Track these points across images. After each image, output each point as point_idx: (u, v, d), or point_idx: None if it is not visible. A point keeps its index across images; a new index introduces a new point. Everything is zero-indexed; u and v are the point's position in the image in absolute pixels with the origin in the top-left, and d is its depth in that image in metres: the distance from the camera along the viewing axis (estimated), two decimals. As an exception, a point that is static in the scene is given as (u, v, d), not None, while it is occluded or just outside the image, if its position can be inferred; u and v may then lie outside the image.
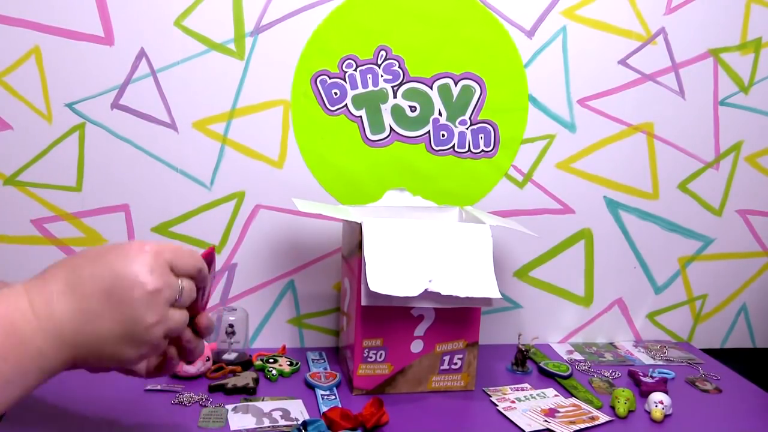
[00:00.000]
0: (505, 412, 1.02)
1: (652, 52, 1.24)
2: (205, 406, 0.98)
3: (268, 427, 0.93)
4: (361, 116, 1.17)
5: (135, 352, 0.59)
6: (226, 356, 1.12)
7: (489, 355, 1.22)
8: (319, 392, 1.05)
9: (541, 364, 1.19)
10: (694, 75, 1.26)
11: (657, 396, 1.05)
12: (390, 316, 1.03)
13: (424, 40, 1.16)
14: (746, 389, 1.17)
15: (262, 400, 1.01)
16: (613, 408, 1.05)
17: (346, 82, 1.16)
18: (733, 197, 1.33)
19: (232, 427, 0.93)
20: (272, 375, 1.09)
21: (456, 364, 1.08)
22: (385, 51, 1.16)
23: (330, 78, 1.15)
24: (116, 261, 0.57)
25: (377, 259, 0.98)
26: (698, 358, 1.29)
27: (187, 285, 0.61)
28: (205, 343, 1.10)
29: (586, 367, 1.21)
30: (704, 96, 1.28)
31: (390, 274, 0.98)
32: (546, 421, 1.00)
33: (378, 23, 1.15)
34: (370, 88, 1.17)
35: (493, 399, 1.07)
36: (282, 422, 0.95)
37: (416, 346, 1.06)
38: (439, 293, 0.98)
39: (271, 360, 1.14)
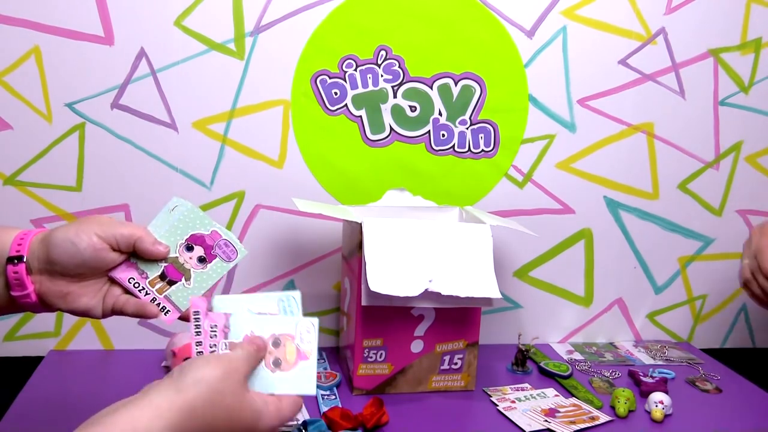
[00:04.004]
0: (505, 412, 1.02)
1: (652, 52, 1.24)
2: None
3: (269, 427, 0.93)
4: (361, 116, 1.17)
5: None
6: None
7: (489, 355, 1.22)
8: (320, 392, 1.05)
9: (541, 364, 1.19)
10: (694, 75, 1.26)
11: (657, 396, 1.05)
12: (390, 316, 1.03)
13: (424, 40, 1.16)
14: (746, 389, 1.17)
15: (262, 400, 1.01)
16: (613, 408, 1.05)
17: (346, 82, 1.16)
18: (733, 197, 1.33)
19: (232, 427, 0.93)
20: (272, 375, 1.09)
21: (456, 364, 1.08)
22: (385, 51, 1.16)
23: (330, 78, 1.15)
24: None
25: (377, 259, 0.98)
26: (698, 358, 1.29)
27: None
28: None
29: (586, 367, 1.21)
30: (704, 96, 1.28)
31: (390, 274, 0.98)
32: (546, 421, 1.00)
33: (378, 23, 1.15)
34: (370, 88, 1.17)
35: (494, 399, 1.07)
36: (282, 422, 0.94)
37: (416, 346, 1.06)
38: (440, 293, 0.98)
39: (271, 360, 1.14)
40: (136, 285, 0.70)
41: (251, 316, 0.67)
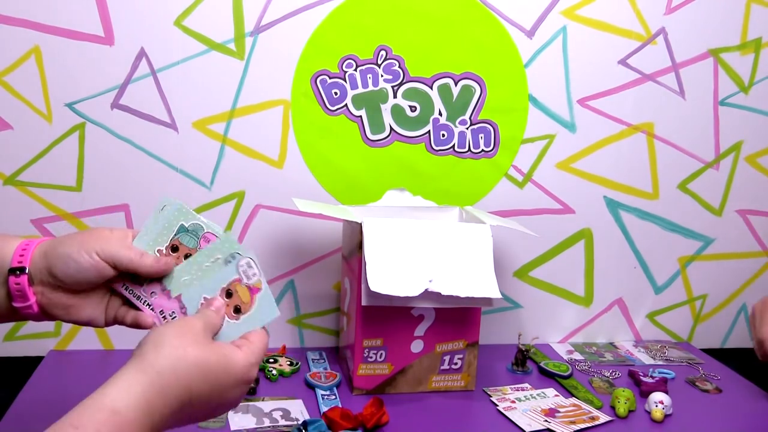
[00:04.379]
0: (505, 412, 1.02)
1: (652, 52, 1.24)
2: (205, 406, 0.98)
3: (269, 427, 0.93)
4: (361, 116, 1.17)
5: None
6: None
7: (489, 355, 1.22)
8: (320, 392, 1.05)
9: (541, 364, 1.19)
10: (694, 75, 1.26)
11: (657, 396, 1.05)
12: (390, 316, 1.03)
13: (424, 40, 1.16)
14: (746, 389, 1.17)
15: (263, 400, 1.01)
16: (613, 408, 1.05)
17: (346, 82, 1.16)
18: (733, 197, 1.33)
19: (233, 427, 0.93)
20: (272, 375, 1.09)
21: (456, 364, 1.08)
22: (385, 51, 1.16)
23: (330, 78, 1.15)
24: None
25: (377, 259, 0.98)
26: (698, 358, 1.29)
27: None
28: None
29: (586, 367, 1.21)
30: (704, 96, 1.28)
31: (390, 274, 0.98)
32: (546, 421, 1.00)
33: (378, 23, 1.15)
34: (370, 88, 1.17)
35: (494, 399, 1.07)
36: (282, 422, 0.95)
37: (416, 346, 1.06)
38: (440, 293, 0.98)
39: (272, 360, 1.14)
40: (149, 305, 0.70)
41: (198, 286, 0.69)
